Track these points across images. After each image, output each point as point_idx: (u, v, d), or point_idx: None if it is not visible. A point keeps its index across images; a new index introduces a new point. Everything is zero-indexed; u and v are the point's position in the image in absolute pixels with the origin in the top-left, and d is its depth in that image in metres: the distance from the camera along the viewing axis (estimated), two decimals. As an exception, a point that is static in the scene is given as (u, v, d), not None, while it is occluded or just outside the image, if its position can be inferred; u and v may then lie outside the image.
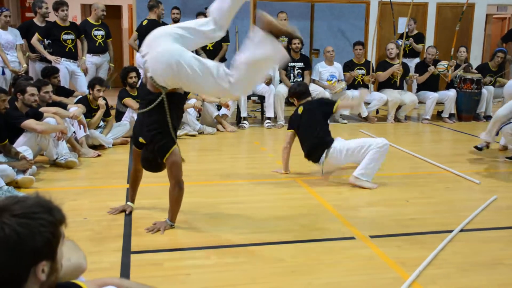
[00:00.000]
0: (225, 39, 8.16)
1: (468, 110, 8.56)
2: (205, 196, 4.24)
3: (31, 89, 4.92)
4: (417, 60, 9.49)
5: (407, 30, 9.39)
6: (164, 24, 7.75)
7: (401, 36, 9.04)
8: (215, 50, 8.11)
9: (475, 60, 10.63)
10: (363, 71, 8.40)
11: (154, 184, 4.60)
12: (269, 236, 3.39)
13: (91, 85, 6.05)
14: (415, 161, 5.64)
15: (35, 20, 7.53)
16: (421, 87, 8.52)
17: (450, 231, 3.45)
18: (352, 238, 3.38)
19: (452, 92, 8.45)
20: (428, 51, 8.53)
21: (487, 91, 8.54)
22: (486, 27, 11.65)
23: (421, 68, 8.48)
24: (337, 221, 3.69)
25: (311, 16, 10.23)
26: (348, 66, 8.45)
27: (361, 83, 8.38)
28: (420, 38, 9.49)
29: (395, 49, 8.32)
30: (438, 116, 8.74)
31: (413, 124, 8.36)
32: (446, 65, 8.35)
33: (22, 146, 4.70)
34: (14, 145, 4.66)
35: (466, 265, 2.98)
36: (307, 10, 10.18)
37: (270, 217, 3.79)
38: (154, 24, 7.50)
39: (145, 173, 5.05)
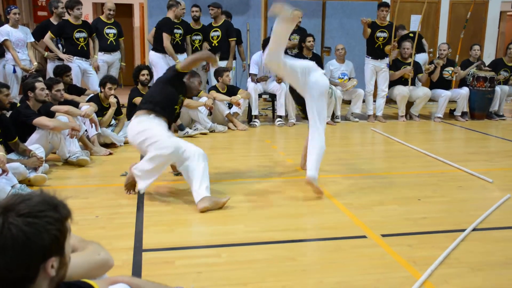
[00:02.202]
0: (230, 35, 8.12)
1: (481, 108, 8.49)
2: (216, 194, 4.23)
3: (39, 84, 4.98)
4: (423, 55, 9.39)
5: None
6: (185, 23, 7.82)
7: (408, 34, 8.95)
8: (220, 46, 8.09)
9: (489, 58, 10.51)
10: (385, 34, 8.08)
11: (164, 182, 4.62)
12: (280, 234, 3.38)
13: (102, 83, 6.08)
14: (427, 160, 5.60)
15: (51, 19, 7.61)
16: (434, 85, 8.46)
17: (463, 230, 3.42)
18: (364, 236, 3.36)
19: (464, 90, 8.38)
20: (440, 47, 8.48)
21: (501, 90, 8.46)
22: (500, 25, 11.52)
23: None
24: (348, 220, 3.68)
25: (323, 14, 10.19)
26: (370, 28, 8.10)
27: (381, 47, 8.08)
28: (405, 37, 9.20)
29: (410, 48, 8.21)
30: (450, 114, 8.67)
31: (425, 122, 8.30)
32: (450, 72, 8.28)
33: (35, 144, 4.74)
34: (26, 143, 4.70)
35: (479, 264, 2.95)
36: (318, 8, 10.14)
37: (281, 215, 3.78)
38: (168, 22, 7.51)
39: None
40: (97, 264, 1.80)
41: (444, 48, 8.38)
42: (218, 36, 8.10)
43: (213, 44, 8.13)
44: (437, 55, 8.60)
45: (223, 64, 8.01)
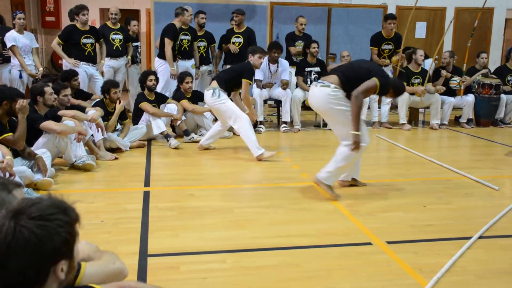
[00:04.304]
0: (252, 42, 8.14)
1: (486, 115, 8.46)
2: (222, 200, 4.25)
3: (48, 89, 5.02)
4: (428, 61, 9.36)
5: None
6: (192, 29, 7.82)
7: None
8: (241, 52, 8.11)
9: (494, 65, 10.50)
10: (390, 47, 8.11)
11: (169, 187, 4.64)
12: (285, 240, 3.38)
13: (106, 90, 6.10)
14: (433, 167, 5.59)
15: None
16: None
17: (469, 238, 3.40)
18: (369, 243, 3.36)
19: (470, 98, 8.36)
20: (443, 55, 8.47)
21: (507, 98, 8.44)
22: (505, 32, 11.52)
23: (436, 74, 8.39)
24: (354, 226, 3.67)
25: (328, 20, 10.22)
26: (376, 41, 8.14)
27: (386, 58, 8.07)
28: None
29: (423, 55, 8.17)
30: (456, 121, 8.65)
31: (430, 129, 8.26)
32: (458, 81, 8.26)
33: (41, 148, 4.76)
34: (33, 147, 4.72)
35: (485, 272, 2.94)
36: (324, 15, 10.17)
37: (287, 221, 3.78)
38: (172, 29, 7.51)
39: (159, 177, 5.10)
40: (113, 273, 1.82)
41: (445, 56, 8.39)
42: (240, 43, 8.11)
43: (234, 52, 8.15)
44: (442, 64, 8.59)
45: None
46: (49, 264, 1.33)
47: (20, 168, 4.26)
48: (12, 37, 7.10)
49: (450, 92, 8.39)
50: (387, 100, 8.22)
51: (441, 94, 8.24)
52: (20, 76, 7.25)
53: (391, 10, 10.43)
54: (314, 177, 4.36)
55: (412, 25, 10.12)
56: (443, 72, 8.24)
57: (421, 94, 7.99)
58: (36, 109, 4.98)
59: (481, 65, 8.66)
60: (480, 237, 3.46)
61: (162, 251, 3.18)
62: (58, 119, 5.06)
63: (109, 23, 8.00)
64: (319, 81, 4.37)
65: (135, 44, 8.35)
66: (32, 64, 7.33)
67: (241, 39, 8.11)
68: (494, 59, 10.92)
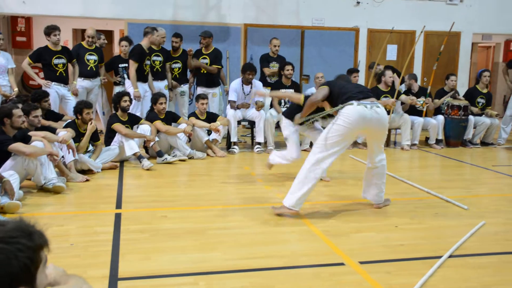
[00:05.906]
0: (218, 62, 8.21)
1: (455, 136, 8.65)
2: (194, 222, 4.21)
3: (16, 112, 4.88)
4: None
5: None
6: (165, 50, 7.85)
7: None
8: (208, 74, 8.17)
9: (462, 87, 10.79)
10: None
11: (141, 209, 4.58)
12: (258, 262, 3.36)
13: (78, 110, 6.02)
14: (404, 187, 5.66)
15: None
16: (406, 112, 8.57)
17: (439, 257, 3.44)
18: (342, 264, 3.36)
19: (437, 119, 8.55)
20: (406, 78, 8.71)
21: (483, 122, 8.67)
22: (472, 56, 11.87)
23: (405, 93, 8.57)
24: (326, 247, 3.68)
25: (301, 42, 10.37)
26: None
27: None
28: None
29: (393, 77, 8.33)
30: (426, 142, 8.82)
31: (401, 150, 8.39)
32: (421, 102, 8.47)
33: (9, 170, 4.65)
34: (0, 170, 4.61)
35: (455, 291, 2.98)
36: (297, 37, 10.33)
37: (260, 242, 3.77)
38: (138, 51, 7.47)
39: (131, 199, 5.04)
40: None
41: (405, 79, 8.67)
42: (206, 63, 8.18)
43: (201, 71, 8.20)
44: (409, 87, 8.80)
45: (212, 91, 8.18)
46: None
47: (-14, 191, 4.15)
48: None
49: (417, 112, 8.58)
50: None
51: (410, 114, 8.41)
52: None
53: (363, 33, 10.67)
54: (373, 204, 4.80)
55: (384, 48, 10.35)
56: (410, 98, 8.38)
57: (391, 106, 8.12)
58: (4, 131, 4.87)
59: (450, 87, 8.89)
60: (450, 256, 3.50)
61: (133, 274, 3.13)
62: (27, 140, 4.97)
63: (84, 43, 7.96)
64: (372, 103, 4.33)
65: (123, 65, 8.27)
66: (7, 84, 7.21)
67: (207, 60, 8.19)
68: (462, 82, 11.22)
